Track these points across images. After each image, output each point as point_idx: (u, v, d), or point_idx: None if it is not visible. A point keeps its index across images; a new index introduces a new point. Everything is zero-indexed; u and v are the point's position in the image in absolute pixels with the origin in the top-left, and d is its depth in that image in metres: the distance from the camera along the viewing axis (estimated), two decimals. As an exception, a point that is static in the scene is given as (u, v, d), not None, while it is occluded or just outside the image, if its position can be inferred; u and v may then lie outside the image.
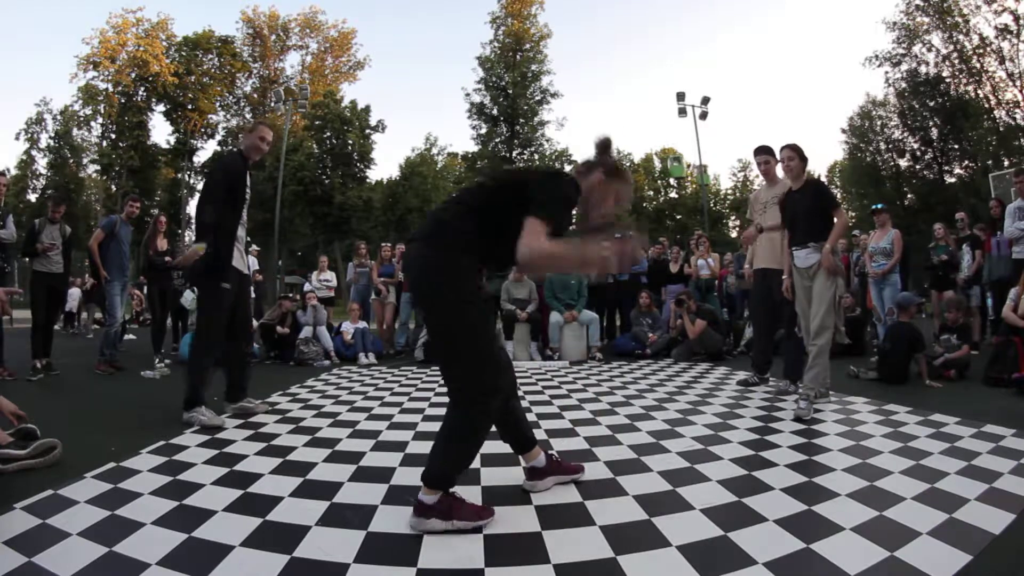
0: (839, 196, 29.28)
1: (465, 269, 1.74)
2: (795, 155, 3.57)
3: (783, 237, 3.84)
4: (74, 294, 12.17)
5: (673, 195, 36.60)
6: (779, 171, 4.05)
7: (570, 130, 55.87)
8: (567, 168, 2.03)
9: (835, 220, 3.47)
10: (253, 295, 7.14)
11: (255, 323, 6.54)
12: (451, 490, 1.74)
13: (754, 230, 4.23)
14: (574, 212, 1.89)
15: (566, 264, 1.78)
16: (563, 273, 1.68)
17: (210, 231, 3.14)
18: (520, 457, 2.11)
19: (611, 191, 1.89)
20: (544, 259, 1.64)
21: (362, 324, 6.58)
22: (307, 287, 7.67)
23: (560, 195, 1.76)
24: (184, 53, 29.99)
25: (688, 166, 21.08)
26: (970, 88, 22.97)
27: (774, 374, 4.32)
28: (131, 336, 8.41)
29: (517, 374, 5.17)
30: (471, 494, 1.98)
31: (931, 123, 24.66)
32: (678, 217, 35.52)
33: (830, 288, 3.37)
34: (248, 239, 3.68)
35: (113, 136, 28.90)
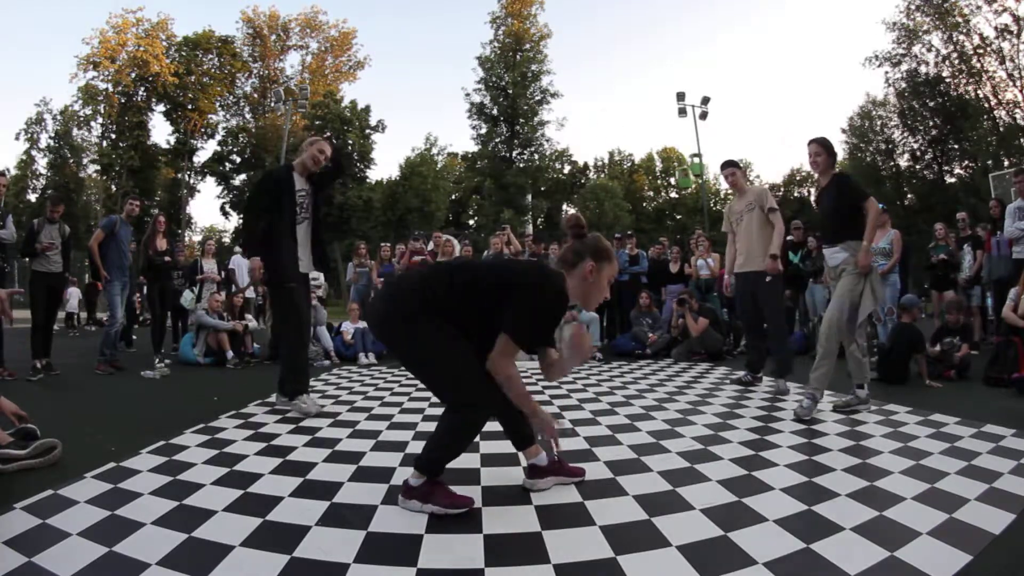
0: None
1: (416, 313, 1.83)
2: (822, 150, 3.41)
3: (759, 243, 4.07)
4: (74, 294, 12.19)
5: (673, 195, 36.61)
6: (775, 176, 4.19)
7: (570, 130, 55.94)
8: (549, 268, 2.02)
9: (867, 213, 3.26)
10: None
11: (253, 325, 6.55)
12: (437, 479, 1.85)
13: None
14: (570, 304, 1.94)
15: (515, 395, 1.88)
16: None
17: (252, 241, 3.41)
18: (521, 454, 2.11)
19: (604, 275, 1.94)
20: (503, 380, 1.82)
21: (362, 324, 6.58)
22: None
23: (539, 320, 1.84)
24: (184, 53, 30.00)
25: (702, 166, 21.01)
26: (970, 88, 22.97)
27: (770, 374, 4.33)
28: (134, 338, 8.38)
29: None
30: (471, 494, 1.97)
31: (931, 123, 24.67)
32: (678, 217, 35.55)
33: (855, 288, 3.19)
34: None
35: (113, 136, 28.92)
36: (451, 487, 1.86)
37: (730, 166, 4.42)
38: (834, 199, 3.35)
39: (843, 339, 3.28)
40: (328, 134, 24.72)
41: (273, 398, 3.70)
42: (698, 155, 21.17)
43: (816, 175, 3.57)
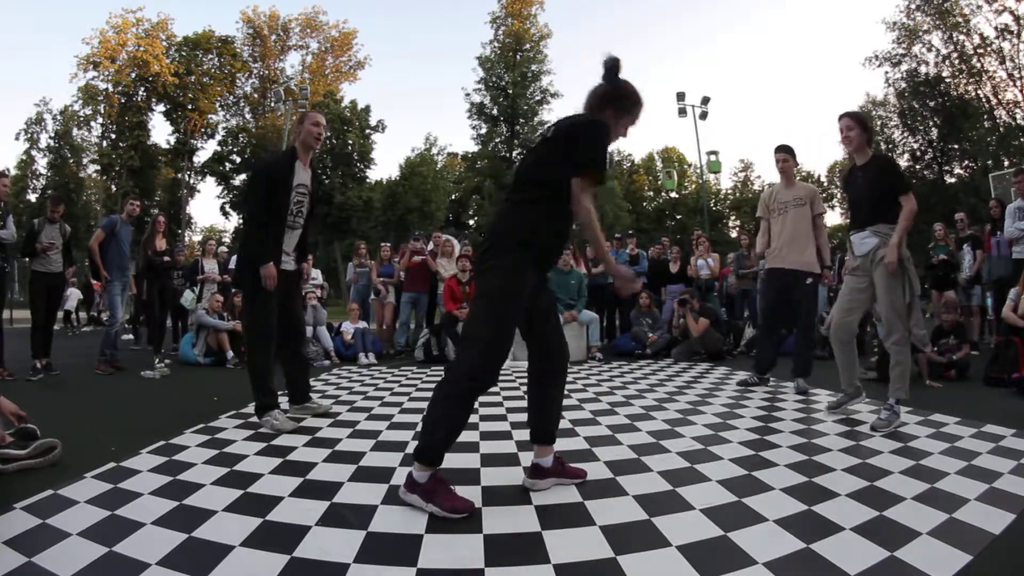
0: (838, 197, 29.32)
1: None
2: (855, 124, 3.10)
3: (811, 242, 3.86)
4: (74, 294, 12.19)
5: (673, 195, 36.60)
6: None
7: (570, 130, 55.70)
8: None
9: (903, 206, 2.96)
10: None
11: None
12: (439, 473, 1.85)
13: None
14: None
15: (592, 234, 1.95)
16: (588, 237, 1.85)
17: (261, 249, 3.04)
18: (535, 447, 2.07)
19: (623, 123, 2.05)
20: (586, 215, 1.89)
21: (362, 324, 6.58)
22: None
23: (597, 144, 1.94)
24: (184, 53, 29.99)
25: (717, 161, 21.05)
26: (970, 88, 22.96)
27: (781, 375, 4.31)
28: (129, 337, 8.39)
29: (517, 374, 5.19)
30: (471, 494, 1.98)
31: (931, 123, 24.66)
32: (678, 217, 35.54)
33: (896, 285, 2.95)
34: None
35: (113, 136, 28.91)
36: (451, 486, 1.86)
37: (784, 151, 4.13)
38: (872, 180, 3.06)
39: (901, 334, 2.97)
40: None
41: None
42: (714, 152, 21.19)
43: (849, 152, 3.24)
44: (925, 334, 3.27)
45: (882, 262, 2.95)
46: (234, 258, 7.57)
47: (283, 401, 3.33)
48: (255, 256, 3.04)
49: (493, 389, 3.94)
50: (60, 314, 9.64)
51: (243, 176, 31.60)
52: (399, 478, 2.14)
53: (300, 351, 3.45)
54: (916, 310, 3.00)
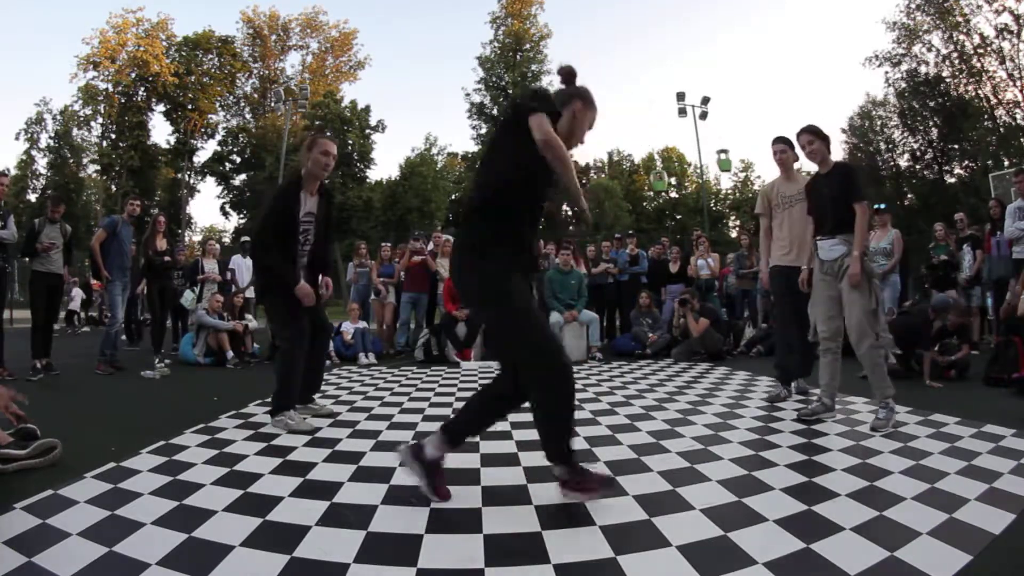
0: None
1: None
2: (814, 138, 3.22)
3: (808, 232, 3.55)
4: (77, 294, 12.20)
5: (673, 195, 36.58)
6: (802, 161, 3.81)
7: (569, 130, 55.64)
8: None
9: (856, 215, 3.05)
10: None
11: (252, 325, 6.55)
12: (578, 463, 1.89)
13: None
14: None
15: (561, 161, 1.90)
16: (561, 170, 1.86)
17: (286, 276, 3.06)
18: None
19: (587, 118, 2.11)
20: (554, 142, 1.85)
21: (362, 324, 6.58)
22: None
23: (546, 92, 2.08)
24: (184, 53, 29.99)
25: (727, 160, 21.09)
26: (970, 88, 22.95)
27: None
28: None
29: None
30: (471, 494, 1.98)
31: (931, 123, 24.65)
32: (678, 217, 35.52)
33: (863, 294, 3.01)
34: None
35: (113, 136, 28.91)
36: (451, 487, 1.89)
37: (782, 142, 3.88)
38: (835, 188, 3.15)
39: (871, 340, 3.03)
40: (328, 133, 24.74)
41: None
42: (724, 151, 21.21)
43: (816, 166, 3.33)
44: (891, 339, 3.31)
45: (846, 284, 3.03)
46: (235, 258, 7.60)
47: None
48: (283, 281, 3.06)
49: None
50: (62, 314, 9.65)
51: (243, 176, 31.61)
52: (399, 478, 2.15)
53: (325, 345, 3.56)
54: (881, 316, 3.08)
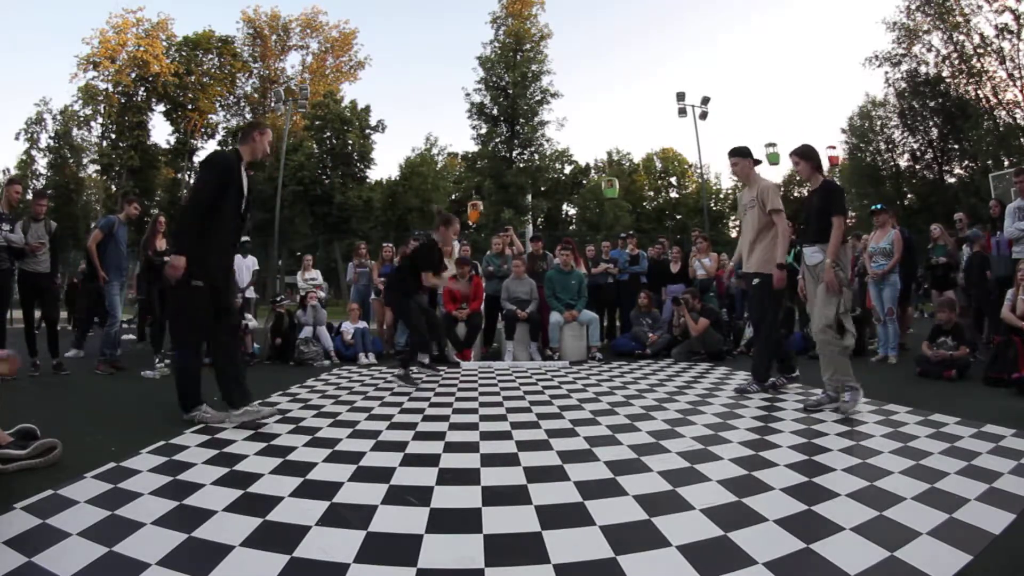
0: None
1: None
2: (799, 159, 3.63)
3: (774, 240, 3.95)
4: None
5: (673, 195, 36.58)
6: (759, 170, 4.21)
7: (570, 130, 55.91)
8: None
9: (832, 227, 3.38)
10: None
11: (252, 325, 6.54)
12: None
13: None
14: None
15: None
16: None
17: (189, 235, 3.00)
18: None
19: (450, 231, 3.83)
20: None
21: (362, 324, 6.58)
22: (300, 285, 7.69)
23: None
24: (184, 53, 29.98)
25: (775, 153, 21.07)
26: (970, 88, 22.96)
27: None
28: (130, 336, 8.39)
29: (517, 374, 5.19)
30: (471, 494, 1.98)
31: (931, 123, 24.67)
32: (678, 217, 35.52)
33: (832, 301, 3.36)
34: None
35: (113, 136, 28.87)
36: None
37: (735, 155, 4.13)
38: (819, 202, 3.51)
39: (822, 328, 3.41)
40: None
41: (275, 397, 3.70)
42: (772, 144, 21.09)
43: (806, 181, 3.73)
44: (854, 339, 3.57)
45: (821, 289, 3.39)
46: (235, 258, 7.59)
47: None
48: (182, 246, 2.97)
49: (493, 389, 3.97)
50: (63, 314, 9.62)
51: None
52: (399, 478, 2.15)
53: (233, 342, 3.35)
54: (848, 320, 3.43)
